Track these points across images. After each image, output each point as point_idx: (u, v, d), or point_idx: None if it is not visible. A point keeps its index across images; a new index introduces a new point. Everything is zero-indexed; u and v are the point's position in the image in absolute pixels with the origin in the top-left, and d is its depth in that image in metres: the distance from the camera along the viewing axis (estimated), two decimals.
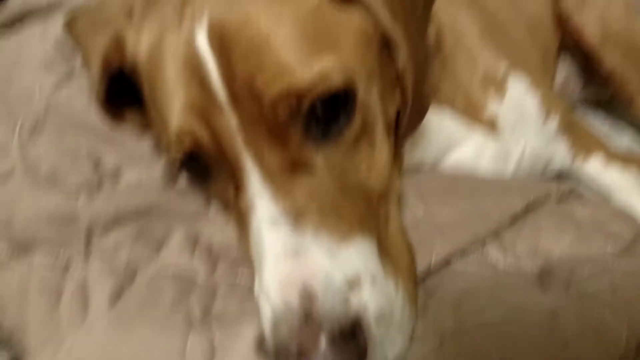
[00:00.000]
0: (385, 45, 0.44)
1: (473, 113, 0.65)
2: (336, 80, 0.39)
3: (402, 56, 0.43)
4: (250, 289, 0.45)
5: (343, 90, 0.39)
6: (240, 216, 0.44)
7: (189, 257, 0.46)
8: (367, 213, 0.42)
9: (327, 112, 0.40)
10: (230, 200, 0.45)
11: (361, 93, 0.41)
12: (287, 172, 0.40)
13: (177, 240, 0.47)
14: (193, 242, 0.47)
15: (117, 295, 0.43)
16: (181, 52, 0.41)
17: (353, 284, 0.37)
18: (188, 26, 0.41)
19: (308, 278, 0.37)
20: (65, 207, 0.44)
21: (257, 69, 0.38)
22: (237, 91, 0.39)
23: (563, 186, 0.56)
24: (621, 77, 0.87)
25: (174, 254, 0.46)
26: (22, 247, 0.44)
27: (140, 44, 0.45)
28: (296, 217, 0.39)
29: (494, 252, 0.49)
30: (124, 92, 0.50)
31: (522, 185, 0.57)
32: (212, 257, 0.47)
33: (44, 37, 0.57)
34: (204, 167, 0.44)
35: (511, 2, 0.85)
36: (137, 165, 0.49)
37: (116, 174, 0.48)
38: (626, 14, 0.94)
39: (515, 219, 0.52)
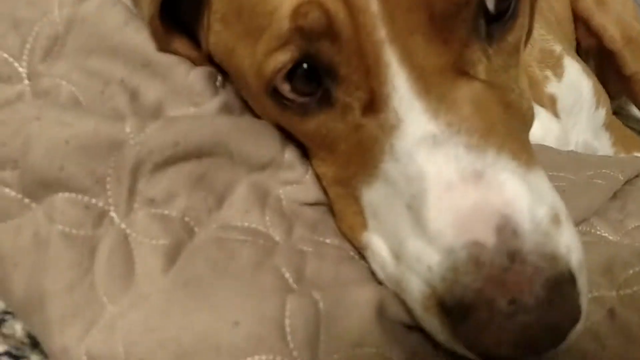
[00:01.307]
0: None
1: (535, 90, 0.60)
2: None
3: None
4: (344, 250, 0.36)
5: None
6: (362, 148, 0.34)
7: (258, 215, 0.36)
8: (529, 140, 0.34)
9: (494, 5, 0.32)
10: (347, 126, 0.34)
11: None
12: (448, 77, 0.31)
13: (241, 193, 0.36)
14: (261, 197, 0.37)
15: (172, 255, 0.32)
16: None
17: (554, 219, 0.29)
18: None
19: (505, 208, 0.28)
20: (106, 133, 0.33)
21: None
22: None
23: None
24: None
25: (239, 210, 0.36)
26: (40, 188, 0.32)
27: None
28: (468, 133, 0.30)
29: (603, 228, 0.43)
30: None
31: (615, 160, 0.51)
32: (286, 218, 0.37)
33: None
34: (309, 85, 0.34)
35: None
36: (184, 103, 0.38)
37: (157, 111, 0.37)
38: (637, 20, 0.94)
39: (617, 195, 0.46)
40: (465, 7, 0.31)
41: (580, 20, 0.90)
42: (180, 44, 0.40)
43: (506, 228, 0.28)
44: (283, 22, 0.32)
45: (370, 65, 0.31)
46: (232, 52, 0.38)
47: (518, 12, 0.34)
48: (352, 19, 0.31)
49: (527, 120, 0.37)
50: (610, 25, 0.88)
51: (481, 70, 0.33)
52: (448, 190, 0.29)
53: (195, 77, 0.39)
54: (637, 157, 0.55)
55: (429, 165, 0.30)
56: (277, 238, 0.35)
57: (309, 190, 0.39)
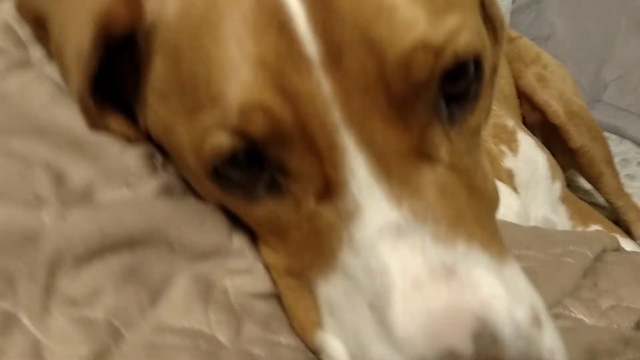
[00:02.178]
0: None
1: (493, 165, 0.60)
2: (467, 42, 0.29)
3: (498, 52, 0.36)
4: (301, 351, 0.32)
5: (472, 57, 0.30)
6: (317, 237, 0.31)
7: (201, 313, 0.31)
8: (497, 227, 0.31)
9: (454, 87, 0.30)
10: (299, 214, 0.31)
11: (485, 69, 0.32)
12: (410, 160, 0.29)
13: (180, 287, 0.32)
14: (204, 291, 0.32)
15: None
16: None
17: (534, 321, 0.27)
18: None
19: (482, 310, 0.26)
20: (18, 223, 0.28)
21: (374, 12, 0.28)
22: (337, 43, 0.28)
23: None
24: (589, 154, 0.89)
25: (178, 307, 0.31)
26: None
27: None
28: (435, 222, 0.28)
29: (577, 309, 0.40)
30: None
31: (579, 236, 0.49)
32: (234, 314, 0.32)
33: None
34: (252, 170, 0.31)
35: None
36: (117, 184, 0.34)
37: (85, 196, 0.33)
38: (578, 96, 0.98)
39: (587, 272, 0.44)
40: (425, 89, 0.29)
41: (523, 96, 0.93)
42: (115, 121, 0.36)
43: (484, 334, 0.25)
44: (226, 116, 0.29)
45: (323, 151, 0.29)
46: (170, 128, 0.35)
47: (479, 94, 0.33)
48: (301, 114, 0.28)
49: (493, 205, 0.35)
50: (552, 101, 0.91)
51: (444, 153, 0.31)
52: (416, 288, 0.26)
53: (130, 156, 0.35)
54: (599, 230, 0.55)
55: (393, 259, 0.27)
56: (223, 340, 0.31)
57: (260, 280, 0.35)
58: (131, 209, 0.31)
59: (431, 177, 0.29)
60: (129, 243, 0.30)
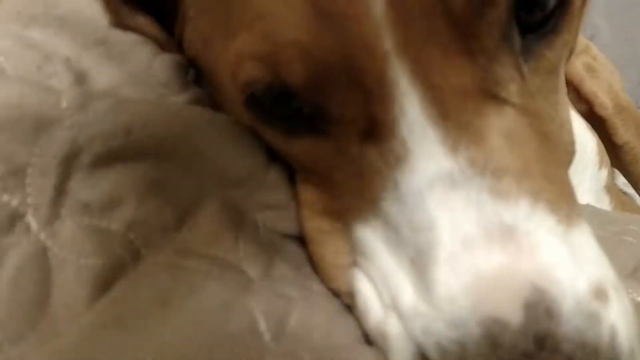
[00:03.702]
0: None
1: None
2: None
3: None
4: (335, 301, 0.28)
5: None
6: (360, 180, 0.28)
7: (230, 243, 0.28)
8: (570, 184, 0.28)
9: (531, 14, 0.26)
10: (342, 155, 0.28)
11: None
12: (472, 99, 0.25)
13: (209, 212, 0.28)
14: (234, 220, 0.29)
15: (105, 281, 0.23)
16: None
17: (599, 294, 0.24)
18: None
19: (539, 278, 0.23)
20: (33, 105, 0.25)
21: None
22: None
23: None
24: (634, 151, 0.85)
25: (205, 233, 0.28)
26: None
27: None
28: (496, 174, 0.24)
29: (638, 291, 0.37)
30: None
31: (636, 217, 0.46)
32: (265, 250, 0.29)
33: None
34: (290, 105, 0.28)
35: None
36: (145, 94, 0.31)
37: (110, 94, 0.29)
38: (625, 92, 0.94)
39: None
40: (492, 6, 0.25)
41: (570, 86, 0.89)
42: (145, 22, 0.33)
43: (538, 305, 0.23)
44: (260, 48, 0.26)
45: (370, 86, 0.26)
46: (208, 42, 0.32)
47: (561, 27, 0.29)
48: (346, 42, 0.25)
49: (567, 157, 0.32)
50: (601, 92, 0.87)
51: (514, 92, 0.27)
52: (465, 247, 0.24)
53: (161, 63, 0.32)
54: None
55: (442, 213, 0.25)
56: (253, 274, 0.27)
57: (294, 219, 0.32)
58: (162, 113, 0.28)
59: (496, 121, 0.26)
60: (156, 151, 0.27)
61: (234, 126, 0.31)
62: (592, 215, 0.43)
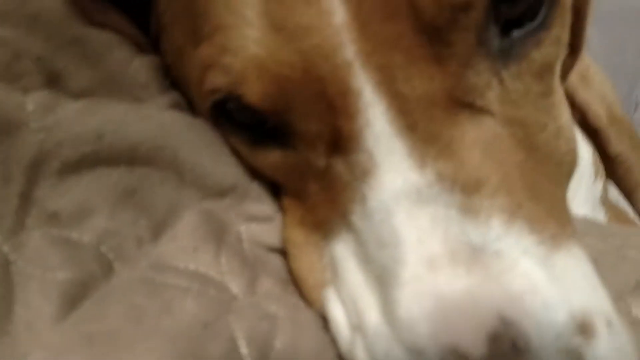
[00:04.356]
0: None
1: None
2: None
3: None
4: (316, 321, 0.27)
5: None
6: (331, 191, 0.27)
7: (211, 256, 0.26)
8: (564, 200, 0.26)
9: (512, 7, 0.25)
10: (310, 167, 0.27)
11: None
12: (443, 109, 0.24)
13: (188, 223, 0.27)
14: (216, 232, 0.27)
15: (74, 296, 0.22)
16: None
17: (583, 328, 0.21)
18: None
19: (508, 306, 0.21)
20: (1, 104, 0.23)
21: None
22: None
23: None
24: (627, 163, 0.85)
25: (184, 246, 0.26)
26: None
27: None
28: (466, 189, 0.23)
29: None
30: None
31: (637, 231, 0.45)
32: (249, 265, 0.27)
33: None
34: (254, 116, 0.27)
35: None
36: (122, 96, 0.29)
37: (83, 95, 0.28)
38: (618, 103, 0.94)
39: None
40: (466, 12, 0.24)
41: (566, 93, 0.89)
42: (119, 19, 0.31)
43: (504, 338, 0.21)
44: (221, 58, 0.26)
45: (334, 97, 0.24)
46: (180, 52, 0.31)
47: (551, 21, 0.27)
48: (307, 54, 0.24)
49: (564, 169, 0.29)
50: (594, 102, 0.87)
51: (493, 99, 0.25)
52: (429, 268, 0.22)
53: (140, 65, 0.30)
54: None
55: (407, 230, 0.23)
56: (236, 290, 0.26)
57: (279, 232, 0.30)
58: (137, 117, 0.26)
59: (471, 132, 0.24)
60: (130, 157, 0.25)
61: (215, 133, 0.29)
62: (591, 227, 0.42)
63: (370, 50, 0.24)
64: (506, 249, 0.22)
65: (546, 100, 0.27)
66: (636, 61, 1.59)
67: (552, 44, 0.27)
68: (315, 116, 0.25)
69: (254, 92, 0.25)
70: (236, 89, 0.26)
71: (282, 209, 0.31)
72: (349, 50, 0.24)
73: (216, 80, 0.27)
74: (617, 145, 0.85)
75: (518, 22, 0.25)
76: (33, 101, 0.24)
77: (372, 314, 0.23)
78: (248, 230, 0.29)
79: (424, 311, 0.21)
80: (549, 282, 0.22)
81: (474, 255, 0.22)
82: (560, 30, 0.28)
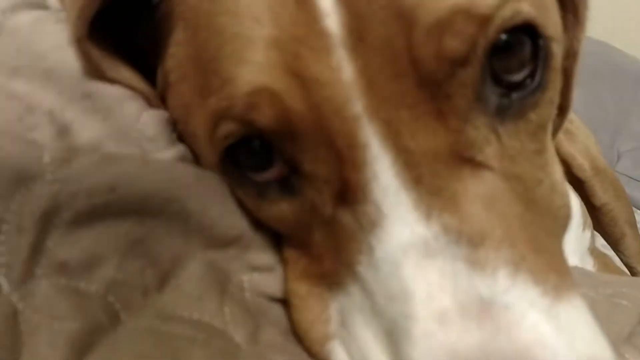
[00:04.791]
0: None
1: None
2: (525, 11, 0.26)
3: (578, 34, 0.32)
4: None
5: (532, 28, 0.26)
6: (336, 242, 0.27)
7: (215, 306, 0.26)
8: (562, 252, 0.27)
9: (508, 67, 0.26)
10: (315, 218, 0.28)
11: (554, 49, 0.28)
12: (445, 163, 0.25)
13: (193, 273, 0.27)
14: (219, 282, 0.28)
15: (82, 346, 0.22)
16: None
17: None
18: None
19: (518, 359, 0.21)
20: (14, 158, 0.24)
21: None
22: (362, 14, 0.24)
23: None
24: (613, 212, 0.86)
25: (189, 295, 0.26)
26: None
27: None
28: (472, 242, 0.24)
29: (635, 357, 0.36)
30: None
31: (627, 279, 0.46)
32: (251, 314, 0.28)
33: None
34: (266, 156, 0.28)
35: None
36: (131, 149, 0.30)
37: (93, 149, 0.29)
38: (601, 155, 0.97)
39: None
40: (463, 66, 0.25)
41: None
42: (129, 75, 0.32)
43: None
44: (233, 102, 0.26)
45: (342, 149, 0.25)
46: (188, 108, 0.31)
47: (547, 83, 0.28)
48: (316, 102, 0.25)
49: (559, 223, 0.30)
50: (578, 155, 0.89)
51: (491, 155, 0.26)
52: (441, 323, 0.23)
53: (149, 118, 0.31)
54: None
55: (416, 284, 0.24)
56: (240, 340, 0.26)
57: (281, 282, 0.31)
58: (149, 169, 0.27)
59: (472, 186, 0.25)
60: (139, 209, 0.26)
61: (222, 185, 0.30)
62: (582, 277, 0.43)
63: (376, 105, 0.25)
64: (513, 301, 0.22)
65: (540, 157, 0.29)
66: (617, 115, 1.64)
67: (547, 106, 0.29)
68: (325, 161, 0.26)
69: (265, 115, 0.25)
70: (247, 116, 0.26)
71: (284, 260, 0.31)
72: (357, 105, 0.25)
73: (228, 127, 0.27)
74: (602, 195, 0.87)
75: (518, 86, 0.27)
76: (50, 154, 0.25)
77: None
78: (250, 280, 0.30)
79: None
80: (555, 333, 0.22)
81: (484, 308, 0.22)
82: (554, 92, 0.29)
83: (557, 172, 0.31)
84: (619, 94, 1.63)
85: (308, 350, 0.28)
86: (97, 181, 0.25)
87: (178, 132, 0.33)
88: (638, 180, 1.42)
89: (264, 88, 0.25)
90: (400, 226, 0.24)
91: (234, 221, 0.30)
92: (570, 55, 0.35)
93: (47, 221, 0.24)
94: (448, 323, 0.22)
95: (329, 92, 0.25)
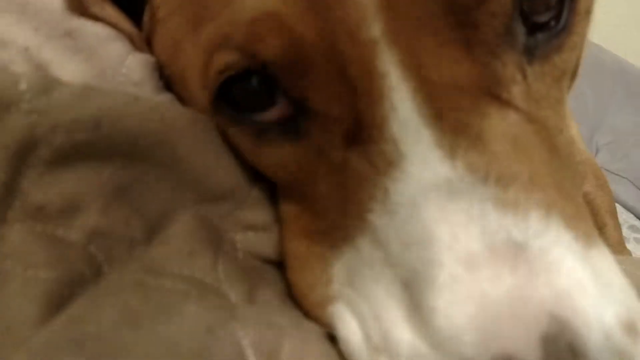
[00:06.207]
0: None
1: None
2: None
3: None
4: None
5: None
6: (345, 191, 0.24)
7: (208, 262, 0.24)
8: (585, 206, 0.25)
9: (535, 7, 0.24)
10: (322, 163, 0.25)
11: None
12: (472, 97, 0.23)
13: (183, 226, 0.25)
14: (212, 238, 0.25)
15: (60, 297, 0.19)
16: None
17: (630, 329, 0.20)
18: None
19: (559, 306, 0.20)
20: None
21: None
22: None
23: None
24: (595, 202, 0.86)
25: (179, 249, 0.24)
26: None
27: None
28: (501, 182, 0.21)
29: None
30: None
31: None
32: (246, 274, 0.25)
33: None
34: (267, 93, 0.25)
35: None
36: (113, 87, 0.27)
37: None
38: (584, 144, 0.97)
39: None
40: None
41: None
42: (114, 13, 0.29)
43: (559, 339, 0.19)
44: (233, 29, 0.23)
45: (356, 79, 0.23)
46: (178, 46, 0.28)
47: (572, 27, 0.26)
48: (329, 27, 0.22)
49: (579, 177, 0.29)
50: None
51: (517, 95, 0.24)
52: (469, 268, 0.20)
53: (135, 62, 0.28)
54: None
55: (439, 227, 0.21)
56: (235, 299, 0.24)
57: (277, 244, 0.29)
58: (138, 107, 0.24)
59: (499, 124, 0.23)
60: (126, 150, 0.23)
61: (217, 132, 0.27)
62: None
63: (397, 29, 0.22)
64: (548, 245, 0.21)
65: (562, 107, 0.27)
66: (596, 109, 1.66)
67: (571, 51, 0.27)
68: (337, 96, 0.23)
69: (271, 46, 0.23)
70: (250, 46, 0.23)
71: (281, 218, 0.29)
72: (375, 28, 0.22)
73: (227, 57, 0.24)
74: (584, 184, 0.87)
75: (542, 26, 0.25)
76: (27, 80, 0.22)
77: (401, 331, 0.21)
78: (243, 239, 0.27)
79: (468, 317, 0.20)
80: (592, 280, 0.21)
81: (517, 252, 0.20)
82: (578, 38, 0.27)
83: (574, 127, 0.30)
84: (598, 89, 1.65)
85: (307, 314, 0.26)
86: (80, 114, 0.22)
87: (164, 79, 0.30)
88: (616, 174, 1.44)
89: (269, 14, 0.22)
90: (421, 166, 0.22)
91: (228, 173, 0.27)
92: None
93: (22, 158, 0.21)
94: (477, 268, 0.20)
95: (344, 13, 0.22)
